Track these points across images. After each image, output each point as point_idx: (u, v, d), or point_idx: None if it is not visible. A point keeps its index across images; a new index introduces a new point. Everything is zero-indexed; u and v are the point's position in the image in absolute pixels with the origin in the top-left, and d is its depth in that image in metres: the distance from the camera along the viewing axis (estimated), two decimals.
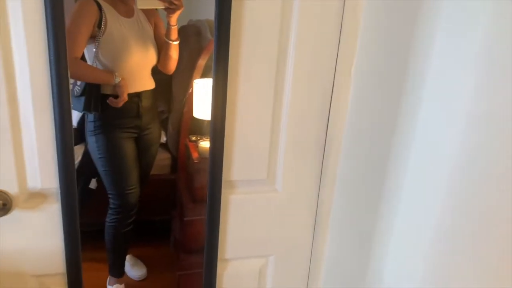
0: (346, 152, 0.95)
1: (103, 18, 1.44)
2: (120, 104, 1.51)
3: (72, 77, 1.38)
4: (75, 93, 1.47)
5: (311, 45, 0.87)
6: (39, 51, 0.75)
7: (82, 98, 1.48)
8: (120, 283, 1.71)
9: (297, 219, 1.01)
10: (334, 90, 0.92)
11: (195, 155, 1.73)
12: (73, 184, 0.83)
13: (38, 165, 0.82)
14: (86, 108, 1.49)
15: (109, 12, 1.47)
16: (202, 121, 1.76)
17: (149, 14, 1.59)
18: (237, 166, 0.93)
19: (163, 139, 2.02)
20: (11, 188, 0.83)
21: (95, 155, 1.58)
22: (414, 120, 0.77)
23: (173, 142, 2.00)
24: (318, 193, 0.99)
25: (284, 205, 0.99)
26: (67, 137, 0.79)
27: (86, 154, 1.58)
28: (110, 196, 1.65)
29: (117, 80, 1.49)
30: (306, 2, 0.84)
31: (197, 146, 1.77)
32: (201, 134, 1.84)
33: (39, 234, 0.87)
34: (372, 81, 0.89)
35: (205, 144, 1.75)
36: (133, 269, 1.83)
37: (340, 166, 0.97)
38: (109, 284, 1.70)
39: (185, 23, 1.98)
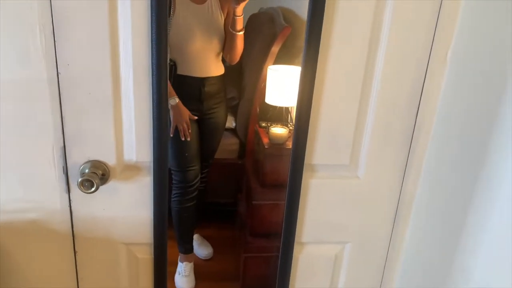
0: (435, 142, 0.91)
1: (172, 5, 1.48)
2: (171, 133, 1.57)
3: None
4: None
5: (406, 28, 0.84)
6: (142, 29, 0.80)
7: None
8: (190, 261, 1.78)
9: (377, 208, 0.99)
10: (426, 77, 0.88)
11: (265, 140, 1.75)
12: (166, 158, 0.87)
13: (134, 139, 0.88)
14: None
15: None
16: (274, 107, 1.77)
17: (224, 2, 1.59)
18: (320, 150, 0.92)
19: (233, 124, 2.07)
20: (110, 159, 0.89)
21: None
22: None
23: (242, 128, 2.04)
24: (402, 183, 0.97)
25: (365, 192, 0.97)
26: (162, 113, 0.83)
27: None
28: (172, 172, 1.70)
29: (174, 101, 1.54)
30: None
31: (267, 132, 1.79)
32: (271, 120, 1.86)
33: (131, 205, 0.93)
34: (469, 69, 0.84)
35: (276, 130, 1.77)
36: (200, 248, 1.90)
37: (427, 157, 0.93)
38: (180, 261, 1.78)
39: (256, 11, 1.99)
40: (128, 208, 0.94)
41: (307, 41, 0.81)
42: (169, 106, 1.55)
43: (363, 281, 1.06)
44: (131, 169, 0.91)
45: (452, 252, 0.88)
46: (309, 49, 0.82)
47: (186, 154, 1.70)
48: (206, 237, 1.97)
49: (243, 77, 2.03)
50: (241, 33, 1.58)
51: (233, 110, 2.06)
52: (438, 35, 0.85)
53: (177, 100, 1.56)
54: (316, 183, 0.95)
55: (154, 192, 0.90)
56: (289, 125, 1.83)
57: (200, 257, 1.89)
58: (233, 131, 2.08)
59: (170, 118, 1.58)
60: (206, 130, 1.75)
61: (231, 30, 1.56)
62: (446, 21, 0.84)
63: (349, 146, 0.92)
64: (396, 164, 0.95)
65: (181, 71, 1.57)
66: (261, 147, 1.75)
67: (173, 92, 1.56)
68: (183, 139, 1.62)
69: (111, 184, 0.91)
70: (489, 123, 0.79)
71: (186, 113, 1.59)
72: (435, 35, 0.85)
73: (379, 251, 1.03)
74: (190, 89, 1.62)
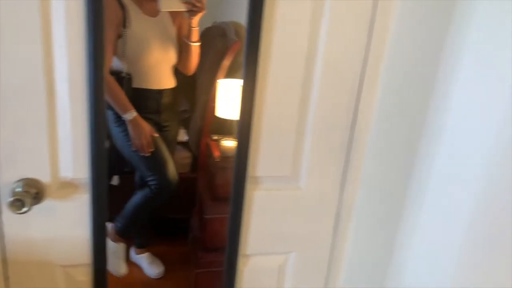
0: (371, 151, 0.95)
1: (127, 18, 1.47)
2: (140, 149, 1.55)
3: None
4: None
5: (341, 45, 0.88)
6: (77, 42, 0.77)
7: None
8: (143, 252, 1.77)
9: (318, 217, 1.01)
10: (362, 90, 0.92)
11: (216, 153, 1.75)
12: (104, 175, 0.85)
13: (71, 155, 0.84)
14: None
15: (133, 11, 1.49)
16: (225, 120, 1.78)
17: (175, 14, 1.61)
18: (262, 162, 0.93)
19: (185, 138, 2.05)
20: (44, 177, 0.85)
21: (124, 142, 1.58)
22: (442, 121, 0.77)
23: (195, 141, 2.03)
24: (341, 191, 0.99)
25: (307, 202, 0.99)
26: (100, 128, 0.81)
27: (108, 150, 1.60)
28: (150, 179, 1.66)
29: (130, 115, 1.51)
30: (337, 3, 0.84)
31: (218, 145, 1.79)
32: (223, 133, 1.86)
33: (68, 224, 0.89)
34: (401, 81, 0.89)
35: (227, 143, 1.77)
36: (151, 267, 1.85)
37: (364, 166, 0.96)
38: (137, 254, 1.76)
39: (209, 25, 2.01)
40: (65, 227, 0.90)
41: (247, 55, 0.82)
42: (126, 121, 1.52)
43: None
44: (68, 187, 0.87)
45: (388, 257, 0.92)
46: (249, 64, 0.83)
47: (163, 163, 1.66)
48: (159, 254, 1.92)
49: (195, 90, 2.03)
50: (197, 44, 1.60)
51: (185, 123, 2.05)
52: (372, 52, 0.89)
53: (135, 114, 1.53)
54: (260, 195, 0.96)
55: (92, 210, 0.87)
56: None
57: (151, 276, 1.84)
58: (185, 144, 2.06)
59: (130, 132, 1.54)
60: None
61: (186, 41, 1.58)
62: (378, 39, 0.88)
63: (290, 157, 0.94)
64: (335, 173, 0.98)
65: (137, 84, 1.56)
66: (213, 161, 1.75)
67: (130, 106, 1.53)
68: (141, 154, 1.58)
69: (46, 203, 0.87)
70: (418, 133, 0.84)
71: (147, 128, 1.57)
72: (369, 51, 0.89)
73: (322, 260, 1.05)
74: (148, 101, 1.60)
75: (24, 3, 0.73)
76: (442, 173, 0.77)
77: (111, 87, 1.49)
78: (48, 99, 0.80)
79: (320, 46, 0.87)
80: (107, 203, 0.88)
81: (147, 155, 1.59)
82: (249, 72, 0.84)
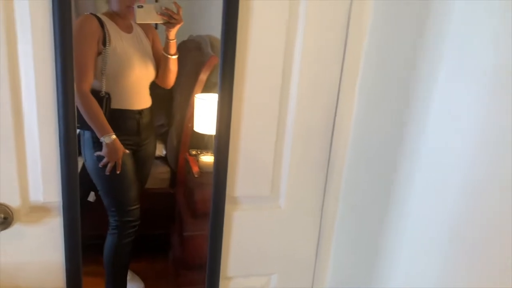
0: (350, 166, 0.95)
1: (107, 35, 1.45)
2: (108, 169, 1.52)
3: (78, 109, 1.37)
4: None
5: (316, 60, 0.88)
6: (45, 62, 0.75)
7: None
8: None
9: (299, 236, 1.00)
10: (338, 105, 0.92)
11: (195, 169, 1.72)
12: (76, 198, 0.82)
13: (41, 178, 0.81)
14: (85, 126, 1.47)
15: (111, 28, 1.47)
16: (203, 135, 1.76)
17: (147, 29, 1.60)
18: (241, 182, 0.92)
19: (163, 152, 2.02)
20: (13, 201, 0.81)
21: (95, 174, 1.56)
22: (420, 133, 0.77)
23: (173, 156, 2.00)
24: (322, 209, 0.99)
25: (287, 221, 0.98)
26: (71, 150, 0.78)
27: (83, 167, 1.56)
28: (111, 214, 1.62)
29: (109, 138, 1.48)
30: (311, 17, 0.85)
31: (197, 160, 1.77)
32: (201, 148, 1.84)
33: (40, 249, 0.86)
34: (377, 95, 0.89)
35: (205, 158, 1.75)
36: (130, 284, 1.80)
37: (344, 181, 0.96)
38: None
39: (185, 38, 2.00)
40: (38, 252, 0.86)
41: (222, 68, 0.81)
42: (104, 144, 1.48)
43: None
44: (38, 211, 0.84)
45: (371, 271, 0.91)
46: (224, 78, 0.82)
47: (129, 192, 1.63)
48: (137, 272, 1.87)
49: (172, 104, 2.01)
50: (175, 57, 1.58)
51: (163, 138, 2.02)
52: (346, 66, 0.90)
53: (114, 137, 1.49)
54: (239, 215, 0.94)
55: (64, 235, 0.84)
56: None
57: None
58: (163, 159, 2.03)
59: (104, 153, 1.50)
60: (140, 162, 1.69)
61: (165, 54, 1.56)
62: (352, 50, 0.89)
63: (269, 176, 0.93)
64: (315, 191, 0.97)
65: (117, 104, 1.52)
66: (191, 176, 1.72)
67: (109, 129, 1.48)
68: (111, 172, 1.55)
69: (15, 228, 0.83)
70: (397, 145, 0.84)
71: (121, 149, 1.53)
72: (343, 66, 0.90)
73: (304, 279, 1.04)
74: (128, 122, 1.57)
75: None
76: (423, 179, 0.78)
77: (92, 107, 1.45)
78: (15, 121, 0.77)
79: (296, 57, 0.87)
80: (80, 225, 0.85)
81: (114, 175, 1.55)
82: (225, 86, 0.82)
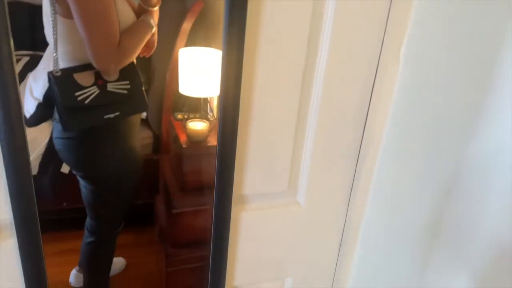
0: (385, 159, 0.75)
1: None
2: None
3: (125, 62, 1.25)
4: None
5: (352, 20, 0.65)
6: None
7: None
8: None
9: (320, 237, 0.82)
10: (376, 80, 0.71)
11: (182, 137, 1.50)
12: (33, 212, 0.60)
13: None
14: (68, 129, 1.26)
15: None
16: (190, 97, 1.52)
17: None
18: (251, 177, 0.72)
19: (143, 115, 1.78)
20: None
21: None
22: (477, 122, 0.58)
23: (155, 119, 1.77)
24: (347, 207, 0.81)
25: (306, 220, 0.80)
26: (20, 156, 0.56)
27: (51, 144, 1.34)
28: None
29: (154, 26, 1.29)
30: None
31: (184, 126, 1.54)
32: (188, 111, 1.61)
33: None
34: (425, 69, 0.68)
35: (194, 125, 1.52)
36: None
37: (376, 176, 0.77)
38: None
39: None
40: None
41: (229, 12, 0.57)
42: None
43: None
44: None
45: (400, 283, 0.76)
46: (231, 35, 0.58)
47: None
48: (119, 245, 1.70)
49: (150, 60, 1.74)
50: (156, 8, 1.30)
51: None
52: (390, 29, 0.67)
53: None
54: (249, 217, 0.75)
55: (22, 257, 0.63)
56: (209, 117, 1.60)
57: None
58: (145, 122, 1.79)
59: None
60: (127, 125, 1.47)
61: (144, 6, 1.28)
62: (398, 12, 0.66)
63: (286, 168, 0.73)
64: (341, 186, 0.78)
65: None
66: (179, 146, 1.50)
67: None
68: None
69: None
70: (445, 137, 0.65)
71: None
72: (386, 28, 0.67)
73: (323, 283, 0.88)
74: None
75: None
76: (469, 179, 0.61)
77: (131, 35, 1.24)
78: None
79: (326, 20, 0.64)
80: (41, 245, 0.64)
81: None
82: (232, 37, 0.58)
